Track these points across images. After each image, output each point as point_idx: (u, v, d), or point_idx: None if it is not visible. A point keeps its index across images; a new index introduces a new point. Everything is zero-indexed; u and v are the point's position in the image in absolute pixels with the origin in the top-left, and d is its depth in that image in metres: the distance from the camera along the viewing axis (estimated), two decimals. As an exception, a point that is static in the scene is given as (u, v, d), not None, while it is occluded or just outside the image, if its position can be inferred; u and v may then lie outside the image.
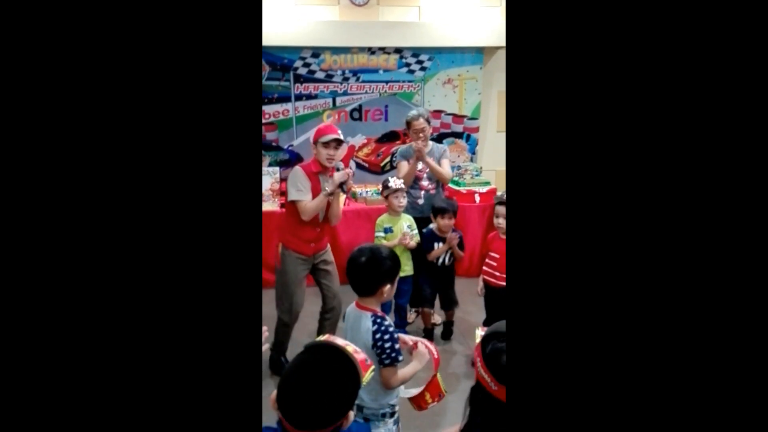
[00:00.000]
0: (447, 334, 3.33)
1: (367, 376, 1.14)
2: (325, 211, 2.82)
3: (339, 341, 1.21)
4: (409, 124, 3.30)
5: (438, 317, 3.53)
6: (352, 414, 1.11)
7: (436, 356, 1.66)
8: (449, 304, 3.24)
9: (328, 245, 2.99)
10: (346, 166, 4.59)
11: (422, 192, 3.38)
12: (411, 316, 3.55)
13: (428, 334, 3.28)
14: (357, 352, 1.18)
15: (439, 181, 3.39)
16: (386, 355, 1.63)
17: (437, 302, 3.30)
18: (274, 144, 4.46)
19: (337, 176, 2.71)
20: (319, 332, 3.00)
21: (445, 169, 3.33)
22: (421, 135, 3.25)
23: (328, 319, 2.95)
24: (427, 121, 3.28)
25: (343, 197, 2.91)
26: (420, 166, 3.32)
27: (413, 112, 3.31)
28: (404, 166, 3.33)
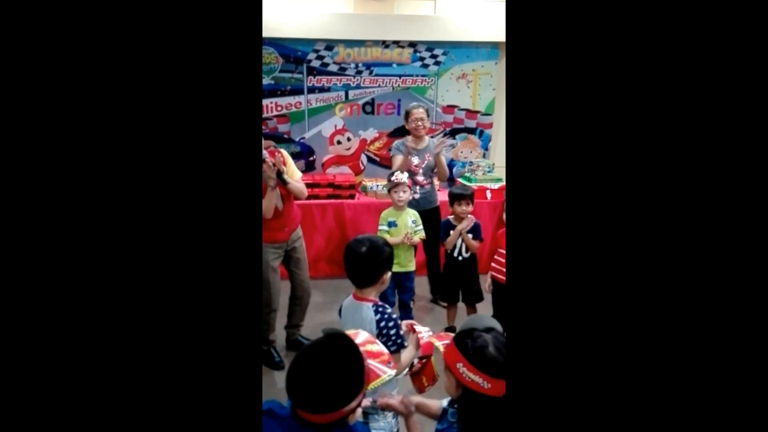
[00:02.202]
0: None
1: (378, 381, 1.14)
2: (283, 197, 2.77)
3: (361, 338, 1.23)
4: (408, 113, 3.43)
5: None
6: (359, 412, 1.11)
7: (425, 340, 1.66)
8: (472, 298, 3.13)
9: (300, 228, 2.96)
10: (357, 158, 4.58)
11: (418, 187, 3.40)
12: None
13: (450, 332, 3.20)
14: (379, 355, 1.18)
15: (433, 176, 3.51)
16: (392, 342, 1.65)
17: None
18: (285, 136, 4.46)
19: (267, 170, 2.59)
20: (290, 317, 3.05)
21: (445, 163, 3.48)
22: (419, 123, 3.35)
23: (298, 305, 3.01)
24: (426, 113, 3.42)
25: (298, 174, 2.86)
26: (416, 161, 3.37)
27: (412, 104, 3.50)
28: (398, 160, 3.36)
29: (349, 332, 1.29)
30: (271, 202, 2.69)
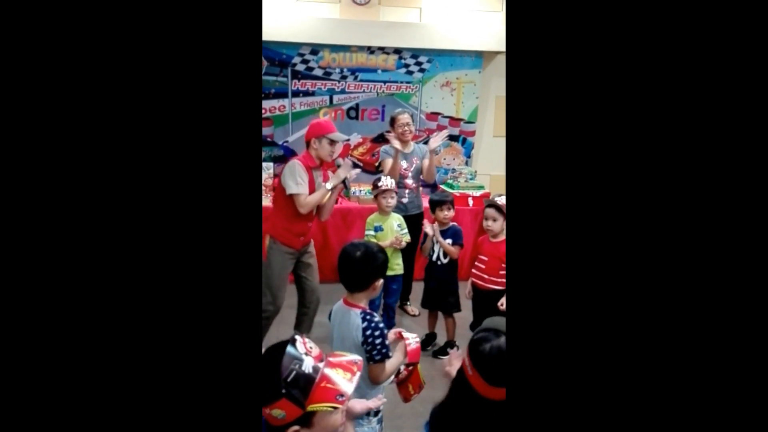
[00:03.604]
0: (442, 351, 3.14)
1: (319, 405, 1.04)
2: (317, 206, 2.82)
3: (340, 358, 1.13)
4: (393, 119, 3.44)
5: (415, 308, 3.61)
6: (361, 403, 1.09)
7: (412, 347, 1.66)
8: (449, 308, 3.12)
9: (312, 241, 3.00)
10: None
11: (407, 191, 3.41)
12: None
13: (430, 338, 3.24)
14: (328, 382, 1.06)
15: (420, 181, 3.55)
16: (377, 351, 1.64)
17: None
18: (269, 139, 4.44)
19: (342, 171, 2.72)
20: (297, 327, 2.98)
21: (434, 167, 3.52)
22: (406, 128, 3.38)
23: (306, 314, 2.95)
24: (411, 118, 3.45)
25: (335, 194, 2.92)
26: (404, 165, 3.40)
27: (398, 109, 3.54)
28: (389, 163, 3.37)
29: (340, 353, 1.22)
30: (319, 198, 2.73)
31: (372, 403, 1.24)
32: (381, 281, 1.74)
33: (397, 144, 3.30)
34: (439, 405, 1.30)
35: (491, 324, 1.26)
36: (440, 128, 4.66)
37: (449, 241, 3.04)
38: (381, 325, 1.68)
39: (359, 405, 1.16)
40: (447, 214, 3.04)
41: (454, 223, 3.12)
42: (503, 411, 1.15)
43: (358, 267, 1.70)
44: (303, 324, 2.96)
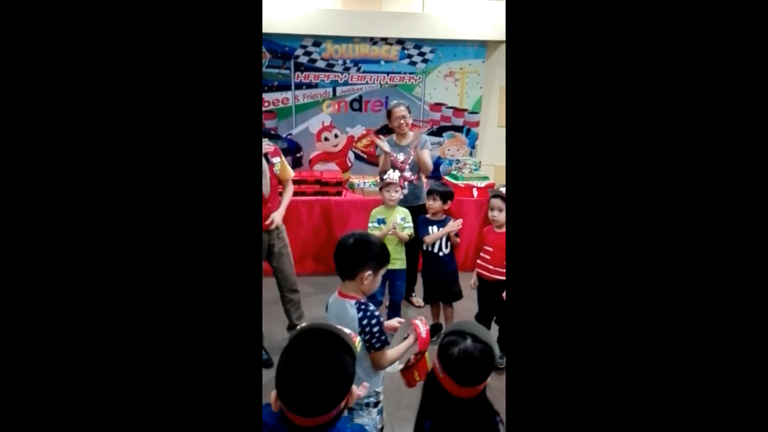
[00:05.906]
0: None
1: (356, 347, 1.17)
2: (272, 185, 2.76)
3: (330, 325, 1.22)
4: (390, 112, 3.44)
5: (420, 300, 3.56)
6: (355, 389, 1.11)
7: (423, 336, 1.67)
8: (451, 297, 3.14)
9: (284, 227, 2.91)
10: (344, 155, 4.58)
11: (405, 183, 3.40)
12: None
13: (436, 329, 3.24)
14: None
15: (420, 171, 3.52)
16: (376, 339, 1.65)
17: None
18: (272, 132, 4.44)
19: None
20: (289, 317, 2.99)
21: (427, 159, 3.45)
22: (402, 121, 3.38)
23: (290, 301, 2.95)
24: (408, 110, 3.42)
25: (290, 172, 2.94)
26: (401, 157, 3.41)
27: (393, 102, 3.50)
28: (381, 159, 3.41)
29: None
30: None
31: (359, 391, 1.26)
32: (369, 273, 1.68)
33: (382, 143, 3.34)
34: (419, 411, 1.36)
35: (457, 327, 1.33)
36: (444, 119, 4.66)
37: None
38: (377, 313, 1.68)
39: None
40: (432, 203, 3.06)
41: (449, 216, 3.14)
42: (474, 408, 1.25)
43: (349, 254, 1.69)
44: (291, 314, 2.96)
